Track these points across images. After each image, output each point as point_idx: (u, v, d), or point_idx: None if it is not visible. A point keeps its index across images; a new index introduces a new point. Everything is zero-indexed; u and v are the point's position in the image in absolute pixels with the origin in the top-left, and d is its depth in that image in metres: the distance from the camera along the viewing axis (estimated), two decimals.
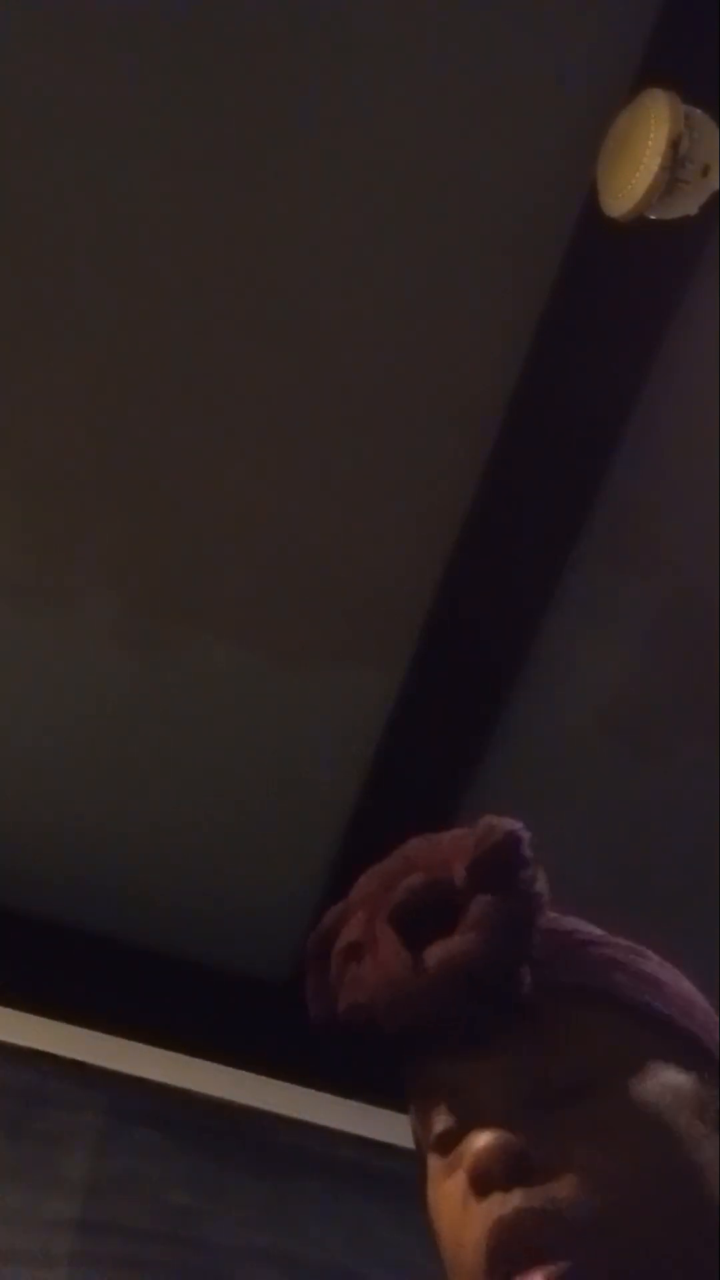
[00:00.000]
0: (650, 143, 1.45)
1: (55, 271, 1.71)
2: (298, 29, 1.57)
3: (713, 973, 0.72)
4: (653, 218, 1.49)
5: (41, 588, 1.92)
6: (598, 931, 0.69)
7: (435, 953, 0.62)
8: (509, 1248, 0.57)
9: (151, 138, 1.63)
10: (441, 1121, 0.64)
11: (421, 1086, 0.66)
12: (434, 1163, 0.65)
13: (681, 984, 0.69)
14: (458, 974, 0.61)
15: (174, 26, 1.56)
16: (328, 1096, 2.13)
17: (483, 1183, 0.59)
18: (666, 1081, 0.63)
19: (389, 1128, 2.02)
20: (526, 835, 0.65)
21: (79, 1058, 2.05)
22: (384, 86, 1.60)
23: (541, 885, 0.65)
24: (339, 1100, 2.12)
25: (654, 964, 0.68)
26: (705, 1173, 0.59)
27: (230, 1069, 2.12)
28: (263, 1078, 2.13)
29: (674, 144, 1.44)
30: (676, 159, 1.45)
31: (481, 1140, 0.60)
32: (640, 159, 1.46)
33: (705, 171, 1.46)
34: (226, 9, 1.55)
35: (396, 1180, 1.99)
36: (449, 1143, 0.63)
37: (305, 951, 0.69)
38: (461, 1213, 0.61)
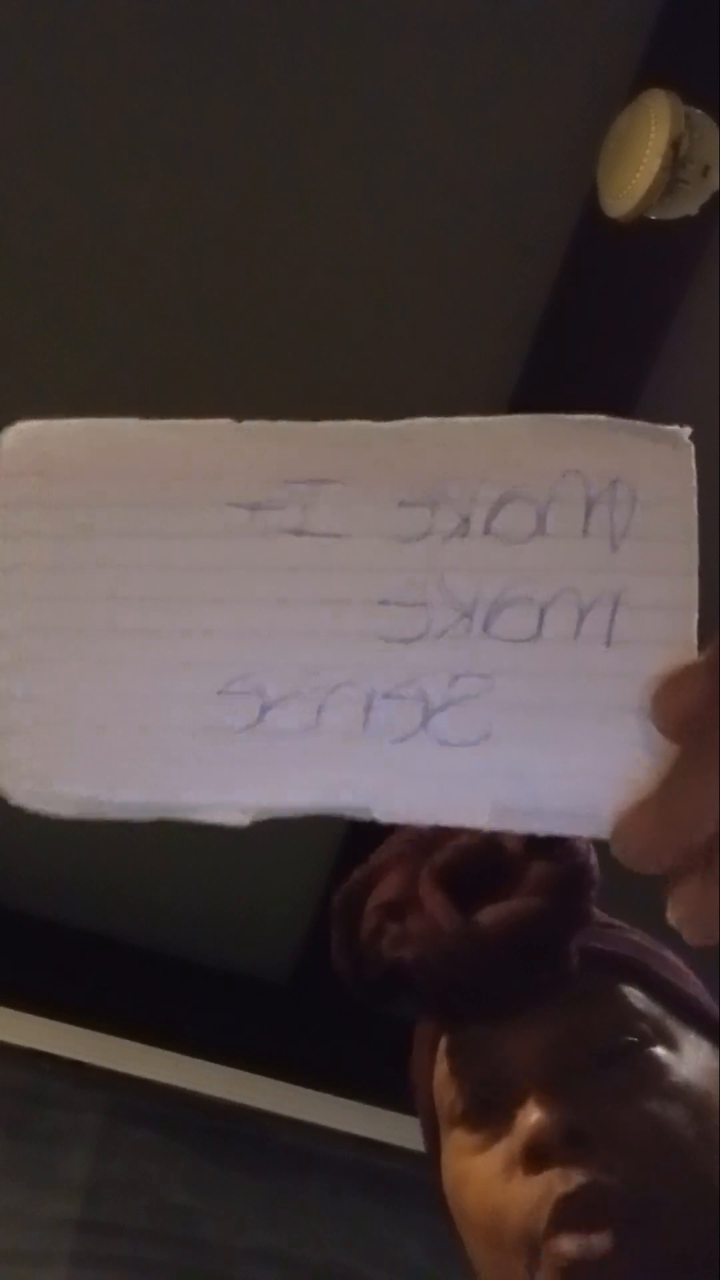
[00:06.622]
0: (650, 143, 1.45)
1: (56, 269, 1.72)
2: (298, 29, 1.57)
3: (713, 973, 0.72)
4: (653, 218, 1.49)
5: None
6: (615, 920, 0.69)
7: (491, 913, 0.61)
8: (571, 1222, 0.56)
9: (152, 137, 1.63)
10: (477, 1087, 0.63)
11: (455, 1048, 0.65)
12: (460, 1137, 0.64)
13: (694, 976, 0.69)
14: (515, 935, 0.61)
15: (175, 24, 1.56)
16: (328, 1096, 2.13)
17: (538, 1158, 0.58)
18: (701, 1059, 0.63)
19: (389, 1128, 2.02)
20: None
21: (79, 1058, 2.05)
22: (383, 86, 1.60)
23: (594, 861, 0.64)
24: (339, 1100, 2.12)
25: (671, 953, 0.68)
26: None
27: (230, 1069, 2.12)
28: (263, 1078, 2.13)
29: (674, 144, 1.44)
30: (676, 159, 1.45)
31: (535, 1115, 0.59)
32: (640, 159, 1.46)
33: (705, 171, 1.46)
34: (227, 8, 1.56)
35: (396, 1180, 1.99)
36: (483, 1114, 0.62)
37: (332, 908, 0.67)
38: (502, 1187, 0.60)
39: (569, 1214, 0.56)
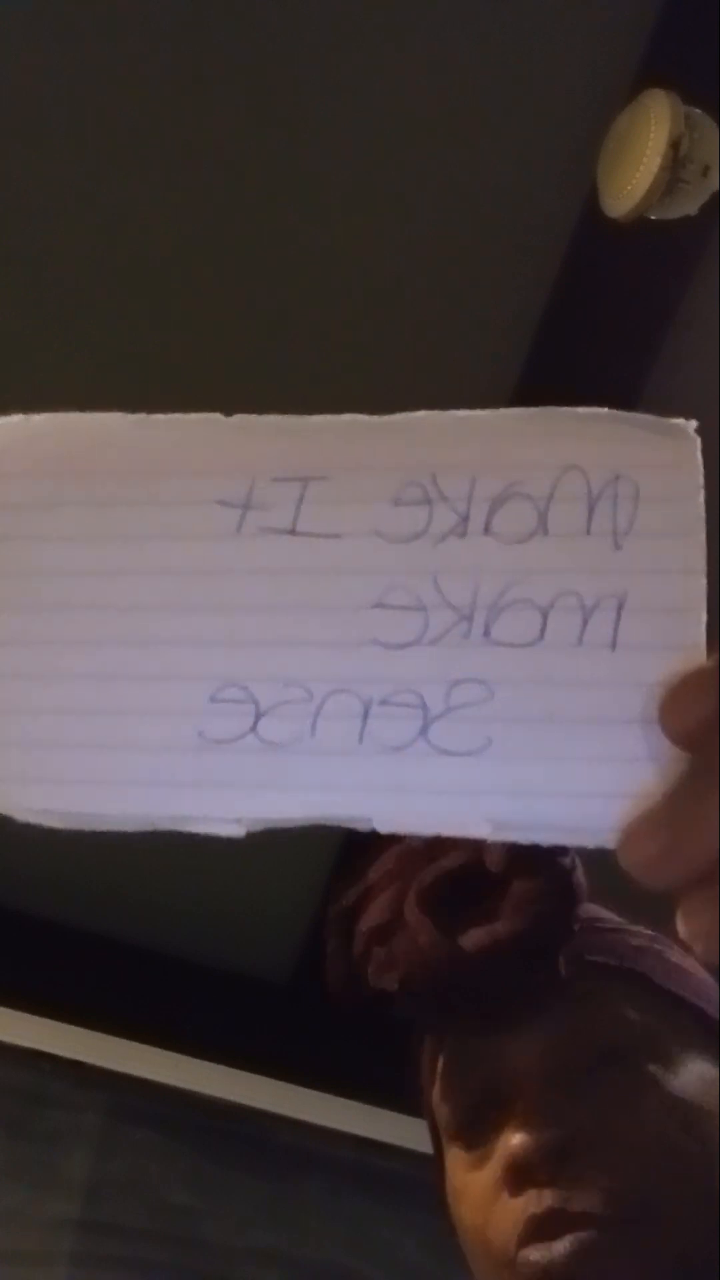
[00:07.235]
0: (650, 143, 1.45)
1: (51, 265, 1.72)
2: (298, 29, 1.57)
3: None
4: (653, 218, 1.49)
5: None
6: (620, 920, 0.69)
7: (474, 936, 0.62)
8: (540, 1240, 0.57)
9: (151, 137, 1.63)
10: (468, 1105, 0.64)
11: (446, 1067, 0.65)
12: (458, 1152, 0.64)
13: (702, 974, 0.68)
14: (499, 957, 0.61)
15: (175, 24, 1.56)
16: (328, 1096, 2.13)
17: (518, 1180, 0.59)
18: (698, 1069, 0.63)
19: (389, 1128, 2.02)
20: None
21: (79, 1058, 2.05)
22: (383, 86, 1.60)
23: (580, 875, 0.64)
24: (339, 1100, 2.12)
25: (677, 953, 0.68)
26: None
27: (230, 1069, 2.12)
28: (263, 1078, 2.13)
29: (674, 144, 1.44)
30: (676, 159, 1.45)
31: (516, 1138, 0.60)
32: (640, 159, 1.46)
33: (705, 171, 1.46)
34: (227, 8, 1.56)
35: (396, 1180, 1.99)
36: (477, 1131, 0.63)
37: (325, 926, 0.67)
38: (490, 1205, 0.61)
39: (538, 1234, 0.57)
